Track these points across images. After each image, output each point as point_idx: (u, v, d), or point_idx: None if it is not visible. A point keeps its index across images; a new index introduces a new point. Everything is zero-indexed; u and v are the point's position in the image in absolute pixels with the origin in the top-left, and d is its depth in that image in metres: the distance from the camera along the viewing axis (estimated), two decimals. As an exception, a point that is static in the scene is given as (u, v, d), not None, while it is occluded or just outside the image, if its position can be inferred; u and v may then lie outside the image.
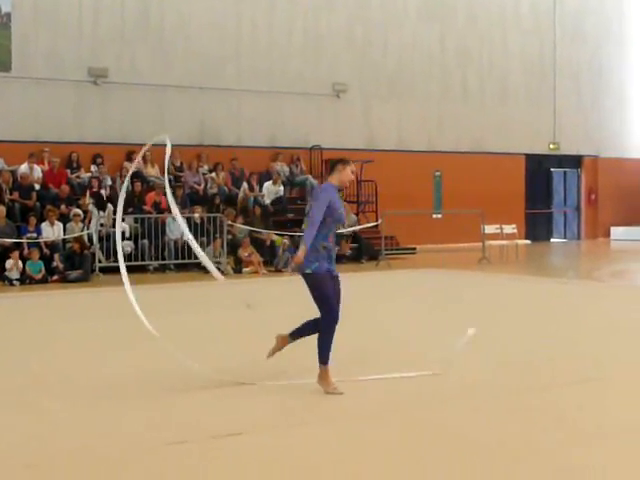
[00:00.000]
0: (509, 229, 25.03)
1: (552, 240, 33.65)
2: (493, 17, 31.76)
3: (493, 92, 31.81)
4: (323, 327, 7.91)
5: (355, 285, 18.63)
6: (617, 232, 33.77)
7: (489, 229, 24.31)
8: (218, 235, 21.64)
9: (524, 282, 18.72)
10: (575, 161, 34.35)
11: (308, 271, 7.86)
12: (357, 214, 26.03)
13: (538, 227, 33.15)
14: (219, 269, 20.70)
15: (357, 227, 24.43)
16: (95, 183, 22.75)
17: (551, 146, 33.04)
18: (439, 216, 28.64)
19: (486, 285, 18.24)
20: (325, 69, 28.36)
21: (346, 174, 8.11)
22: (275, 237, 22.74)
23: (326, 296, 7.88)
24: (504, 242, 24.51)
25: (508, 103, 32.00)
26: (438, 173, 29.69)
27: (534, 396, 7.71)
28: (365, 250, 24.38)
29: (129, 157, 24.45)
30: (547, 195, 33.97)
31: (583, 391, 7.92)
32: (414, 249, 25.94)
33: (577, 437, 6.48)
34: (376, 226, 24.95)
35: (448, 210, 28.47)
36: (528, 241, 30.05)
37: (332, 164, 8.24)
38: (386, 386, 8.17)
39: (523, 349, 10.11)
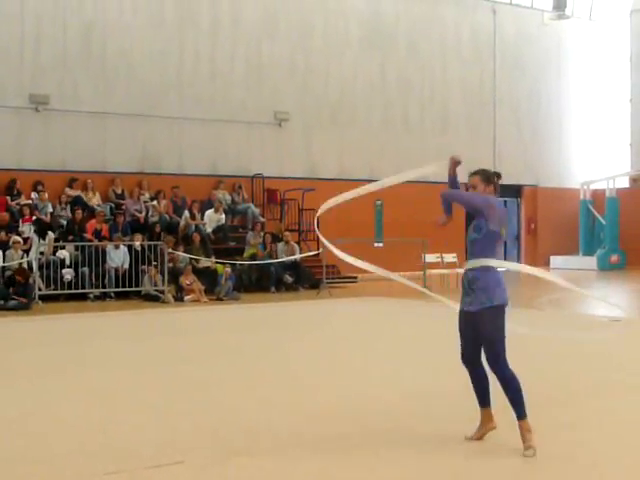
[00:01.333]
0: (450, 258, 25.23)
1: (492, 269, 33.87)
2: (434, 47, 32.10)
3: (434, 121, 32.12)
4: None
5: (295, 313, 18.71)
6: (556, 261, 34.14)
7: (430, 258, 24.49)
8: (156, 263, 21.52)
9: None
10: (515, 190, 34.72)
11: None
12: (298, 242, 26.06)
13: (478, 256, 33.38)
14: (159, 297, 20.68)
15: (298, 255, 24.45)
16: (27, 211, 22.50)
17: (491, 176, 33.38)
18: (380, 245, 28.72)
19: (426, 314, 18.33)
20: (267, 98, 28.44)
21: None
22: (217, 265, 22.72)
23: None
24: (445, 271, 24.67)
25: (448, 132, 32.30)
26: (379, 202, 29.86)
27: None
28: (305, 278, 24.42)
29: (70, 184, 24.33)
30: (487, 224, 34.24)
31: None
32: (355, 278, 26.01)
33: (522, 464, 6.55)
34: (317, 254, 24.99)
35: (389, 239, 28.59)
36: (468, 270, 30.29)
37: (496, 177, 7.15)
38: (308, 419, 8.19)
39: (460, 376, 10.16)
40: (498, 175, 7.18)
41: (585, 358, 11.77)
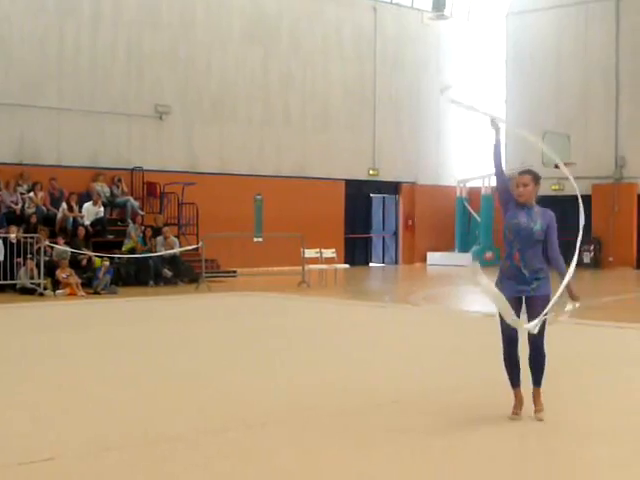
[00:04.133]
0: (328, 253, 25.45)
1: (370, 264, 34.34)
2: (316, 43, 32.28)
3: (315, 117, 32.32)
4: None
5: (174, 308, 18.69)
6: (433, 257, 34.76)
7: (309, 253, 24.66)
8: (31, 256, 21.17)
9: (341, 306, 19.10)
10: (393, 187, 35.21)
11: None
12: (178, 236, 25.96)
13: (357, 251, 33.78)
14: (35, 290, 20.38)
15: (177, 249, 24.37)
16: None
17: (371, 172, 33.80)
18: (260, 240, 28.81)
19: (304, 309, 18.52)
20: (148, 90, 28.22)
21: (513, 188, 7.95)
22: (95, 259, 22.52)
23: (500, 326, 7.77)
24: (323, 266, 24.90)
25: (329, 129, 32.57)
26: (259, 197, 29.92)
27: (349, 419, 7.93)
28: (184, 272, 24.35)
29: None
30: (366, 220, 34.70)
31: (387, 413, 8.18)
32: (234, 272, 26.05)
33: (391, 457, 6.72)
34: (197, 249, 24.95)
35: (269, 234, 28.70)
36: (347, 265, 30.59)
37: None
38: (199, 410, 8.26)
39: (337, 372, 10.34)
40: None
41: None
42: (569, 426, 7.81)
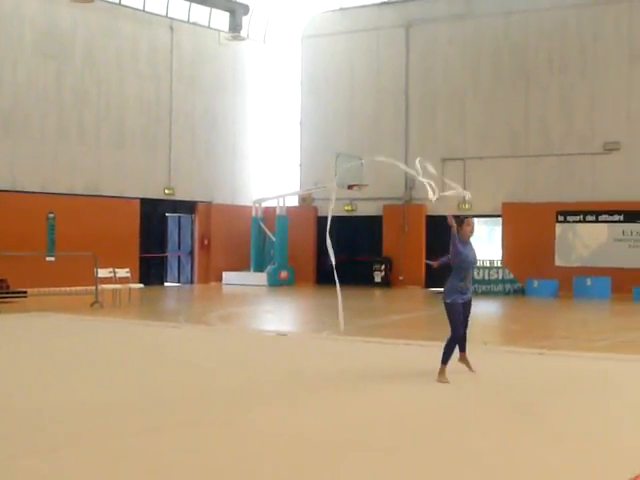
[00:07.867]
0: (122, 273, 25.13)
1: (166, 284, 34.11)
2: (110, 59, 31.89)
3: (110, 135, 31.88)
4: (448, 340, 11.57)
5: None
6: (228, 277, 34.82)
7: (102, 273, 24.29)
8: None
9: (136, 326, 18.93)
10: (189, 206, 35.13)
11: (448, 301, 11.57)
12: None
13: (152, 271, 33.45)
14: None
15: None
16: None
17: (166, 191, 33.63)
18: (52, 259, 28.21)
19: (97, 330, 18.24)
20: None
21: (466, 230, 11.66)
22: None
23: (454, 321, 11.56)
24: (117, 286, 24.57)
25: (124, 147, 32.22)
26: (52, 215, 29.29)
27: (142, 439, 7.89)
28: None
29: None
30: (162, 239, 34.45)
31: (185, 433, 8.18)
32: (25, 292, 25.34)
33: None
34: (-15, 268, 24.20)
35: (61, 253, 28.11)
36: (141, 285, 30.29)
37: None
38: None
39: (133, 392, 10.25)
40: (461, 220, 11.66)
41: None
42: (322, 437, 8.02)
